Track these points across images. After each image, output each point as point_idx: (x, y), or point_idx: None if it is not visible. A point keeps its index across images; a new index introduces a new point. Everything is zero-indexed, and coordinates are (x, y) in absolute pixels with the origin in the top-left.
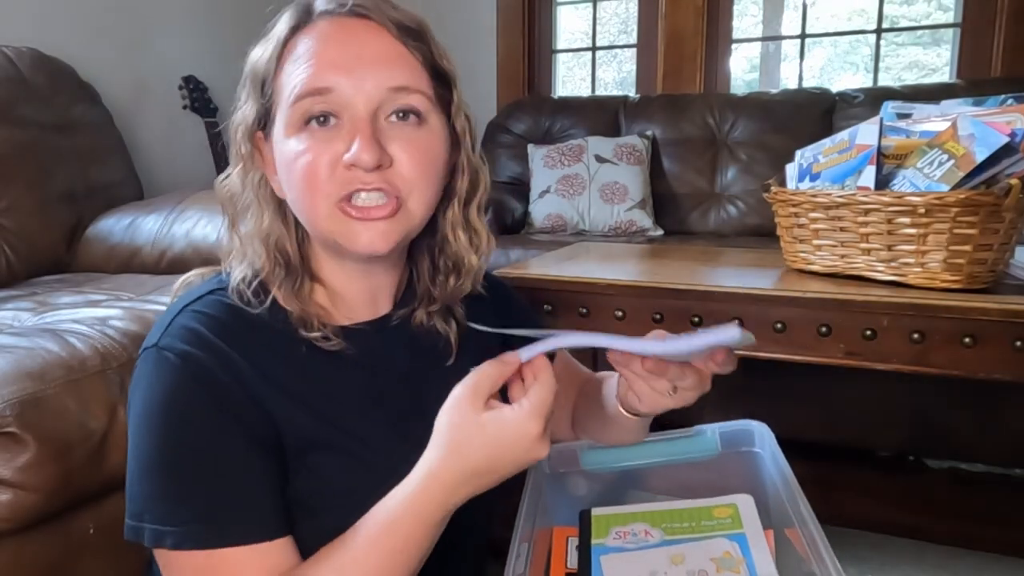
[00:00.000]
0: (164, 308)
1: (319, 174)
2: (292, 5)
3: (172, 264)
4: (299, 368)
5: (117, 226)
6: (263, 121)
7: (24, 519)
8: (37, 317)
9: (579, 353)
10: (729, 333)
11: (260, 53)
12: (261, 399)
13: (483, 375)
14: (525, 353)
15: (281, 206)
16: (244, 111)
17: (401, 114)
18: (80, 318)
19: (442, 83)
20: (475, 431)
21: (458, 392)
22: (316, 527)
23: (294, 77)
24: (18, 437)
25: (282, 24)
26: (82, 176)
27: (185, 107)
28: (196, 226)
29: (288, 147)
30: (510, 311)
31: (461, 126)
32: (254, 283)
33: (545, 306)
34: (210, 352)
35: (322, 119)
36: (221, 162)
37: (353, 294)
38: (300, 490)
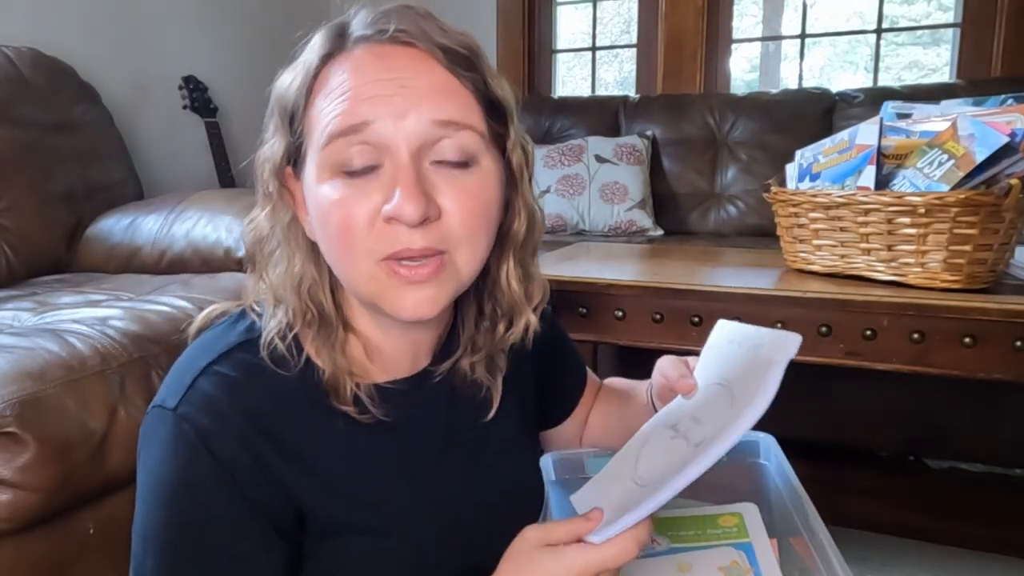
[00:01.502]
0: (164, 308)
1: (357, 230)
2: (325, 28)
3: (172, 264)
4: (328, 444)
5: (117, 226)
6: (293, 158)
7: (24, 519)
8: (37, 317)
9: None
10: (786, 342)
11: (288, 81)
12: (284, 482)
13: (560, 524)
14: (604, 533)
15: (313, 249)
16: (272, 146)
17: (449, 157)
18: (80, 318)
19: (496, 115)
20: (531, 560)
21: (528, 531)
22: None
23: (326, 115)
24: (18, 437)
25: (313, 51)
26: (82, 176)
27: (185, 107)
28: (196, 226)
29: (321, 195)
30: (557, 353)
31: (518, 162)
32: (289, 337)
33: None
34: (233, 429)
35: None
36: (221, 162)
37: (391, 349)
38: (317, 574)
